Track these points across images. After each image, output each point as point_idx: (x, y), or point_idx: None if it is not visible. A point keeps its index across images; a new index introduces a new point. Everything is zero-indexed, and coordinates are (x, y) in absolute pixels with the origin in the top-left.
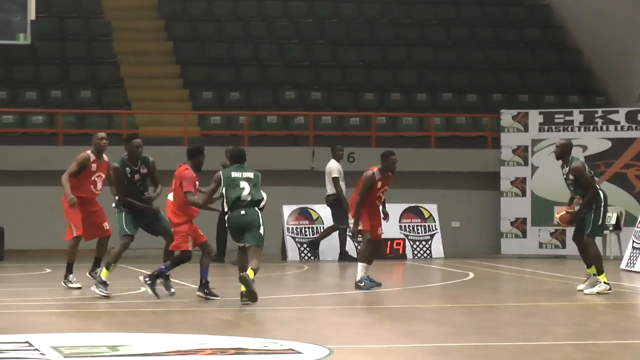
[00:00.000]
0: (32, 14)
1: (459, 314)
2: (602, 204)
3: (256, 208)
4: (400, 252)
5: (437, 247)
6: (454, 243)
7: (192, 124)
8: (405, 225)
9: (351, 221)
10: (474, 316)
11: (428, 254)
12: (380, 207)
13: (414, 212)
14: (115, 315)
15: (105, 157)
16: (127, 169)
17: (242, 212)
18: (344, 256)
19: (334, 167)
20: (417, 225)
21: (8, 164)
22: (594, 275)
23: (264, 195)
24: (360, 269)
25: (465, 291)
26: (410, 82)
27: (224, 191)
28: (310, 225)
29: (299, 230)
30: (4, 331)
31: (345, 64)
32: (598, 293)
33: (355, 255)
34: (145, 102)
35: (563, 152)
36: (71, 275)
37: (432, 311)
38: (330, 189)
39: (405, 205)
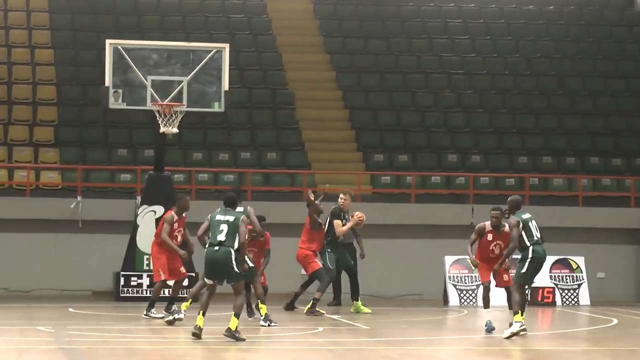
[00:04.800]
0: (225, 85)
1: (604, 356)
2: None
3: (230, 249)
4: (551, 299)
5: (584, 296)
6: (599, 292)
7: (365, 182)
8: (555, 275)
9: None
10: (618, 358)
11: (576, 302)
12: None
13: (563, 263)
14: (297, 352)
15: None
16: None
17: (216, 248)
18: None
19: None
20: (565, 276)
21: (203, 217)
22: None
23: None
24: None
25: (610, 335)
26: (561, 147)
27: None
28: (469, 274)
29: (459, 278)
30: None
31: (501, 131)
32: (513, 334)
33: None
34: (323, 163)
35: None
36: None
37: (579, 353)
38: None
39: (555, 258)
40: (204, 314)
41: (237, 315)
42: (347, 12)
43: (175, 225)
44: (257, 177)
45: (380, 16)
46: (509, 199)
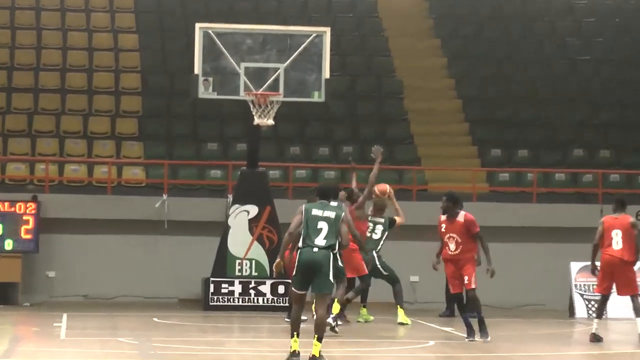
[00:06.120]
0: (326, 73)
1: None
2: None
3: (329, 251)
4: None
5: None
6: None
7: (480, 180)
8: None
9: None
10: None
11: None
12: None
13: None
14: None
15: None
16: None
17: (315, 249)
18: None
19: None
20: None
21: None
22: None
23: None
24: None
25: None
26: None
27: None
28: None
29: (587, 287)
30: None
31: (633, 125)
32: None
33: None
34: (434, 159)
35: None
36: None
37: None
38: None
39: None
40: (298, 335)
41: (320, 339)
42: None
43: None
44: (361, 174)
45: None
46: None
